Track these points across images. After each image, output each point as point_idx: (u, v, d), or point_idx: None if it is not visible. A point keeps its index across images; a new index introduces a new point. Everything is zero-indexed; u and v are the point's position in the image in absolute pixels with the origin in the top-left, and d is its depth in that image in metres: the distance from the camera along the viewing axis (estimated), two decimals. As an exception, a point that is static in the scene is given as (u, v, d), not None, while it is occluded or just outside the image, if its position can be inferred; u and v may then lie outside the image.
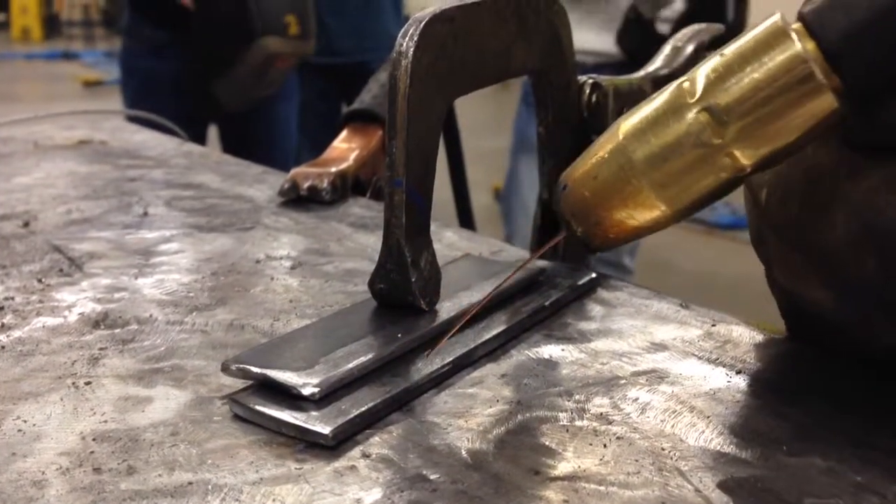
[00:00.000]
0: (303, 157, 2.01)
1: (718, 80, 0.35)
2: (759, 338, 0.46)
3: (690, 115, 0.36)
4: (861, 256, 0.34)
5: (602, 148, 0.39)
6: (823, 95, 0.33)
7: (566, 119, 0.55)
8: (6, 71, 9.50)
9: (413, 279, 0.43)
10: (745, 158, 0.35)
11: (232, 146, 1.97)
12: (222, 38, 1.60)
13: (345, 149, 0.77)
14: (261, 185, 0.78)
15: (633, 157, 0.38)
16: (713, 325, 0.47)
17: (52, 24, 12.33)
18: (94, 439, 0.35)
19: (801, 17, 0.34)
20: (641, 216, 0.39)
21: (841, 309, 0.37)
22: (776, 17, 0.35)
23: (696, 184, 0.37)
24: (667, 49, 0.69)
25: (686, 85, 0.36)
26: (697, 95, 0.36)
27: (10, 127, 1.03)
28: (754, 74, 0.34)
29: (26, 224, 0.65)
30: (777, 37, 0.34)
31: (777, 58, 0.34)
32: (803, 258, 0.38)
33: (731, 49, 0.35)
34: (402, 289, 0.43)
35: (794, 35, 0.34)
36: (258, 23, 1.64)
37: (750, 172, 0.36)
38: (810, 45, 0.34)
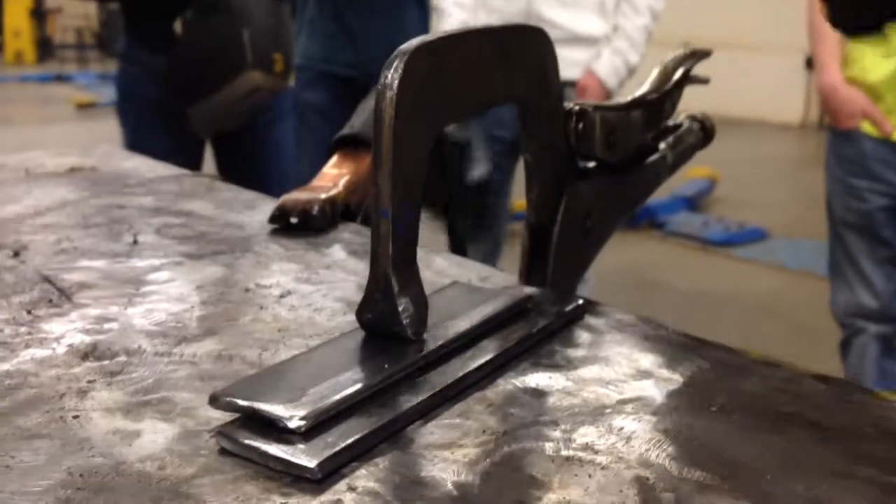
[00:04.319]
0: (305, 169, 2.04)
1: None
2: (745, 366, 0.46)
3: None
4: None
5: None
6: None
7: (553, 146, 0.55)
8: None
9: (400, 309, 0.43)
10: None
11: (227, 169, 1.98)
12: (211, 66, 1.63)
13: (335, 174, 0.78)
14: (251, 211, 0.78)
15: None
16: (699, 352, 0.47)
17: (45, 47, 12.38)
18: (81, 475, 0.35)
19: None
20: None
21: None
22: None
23: None
24: (654, 73, 0.70)
25: None
26: None
27: (2, 154, 1.04)
28: None
29: (16, 254, 0.65)
30: None
31: None
32: None
33: None
34: (390, 319, 0.44)
35: None
36: (248, 56, 1.67)
37: None
38: None
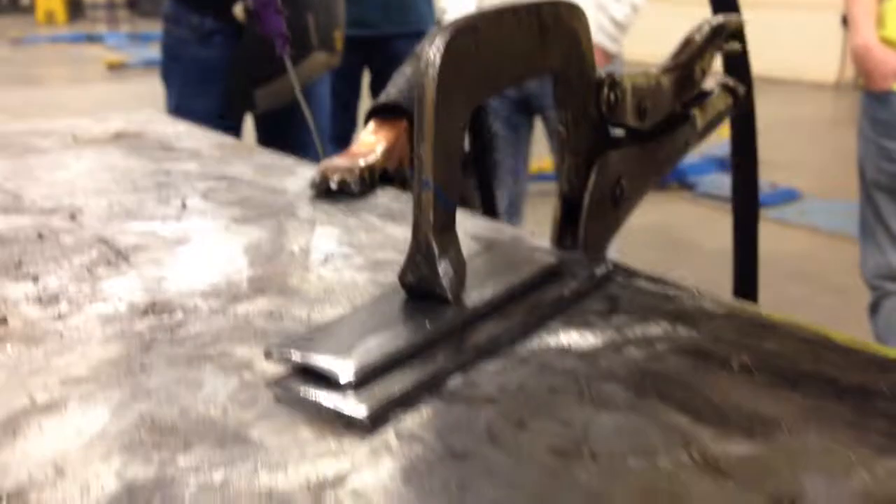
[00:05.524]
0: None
1: None
2: (767, 326, 0.48)
3: None
4: None
5: None
6: None
7: (585, 117, 0.57)
8: (31, 54, 9.60)
9: (441, 273, 0.46)
10: None
11: (269, 128, 2.01)
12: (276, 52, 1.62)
13: (373, 141, 0.80)
14: (292, 176, 0.81)
15: None
16: (725, 312, 0.50)
17: (75, 8, 12.44)
18: (152, 419, 0.39)
19: None
20: None
21: None
22: None
23: None
24: (684, 42, 0.71)
25: None
26: None
27: (36, 115, 1.07)
28: None
29: (73, 217, 0.69)
30: None
31: None
32: None
33: None
34: (430, 281, 0.47)
35: None
36: (314, 40, 1.68)
37: None
38: None
